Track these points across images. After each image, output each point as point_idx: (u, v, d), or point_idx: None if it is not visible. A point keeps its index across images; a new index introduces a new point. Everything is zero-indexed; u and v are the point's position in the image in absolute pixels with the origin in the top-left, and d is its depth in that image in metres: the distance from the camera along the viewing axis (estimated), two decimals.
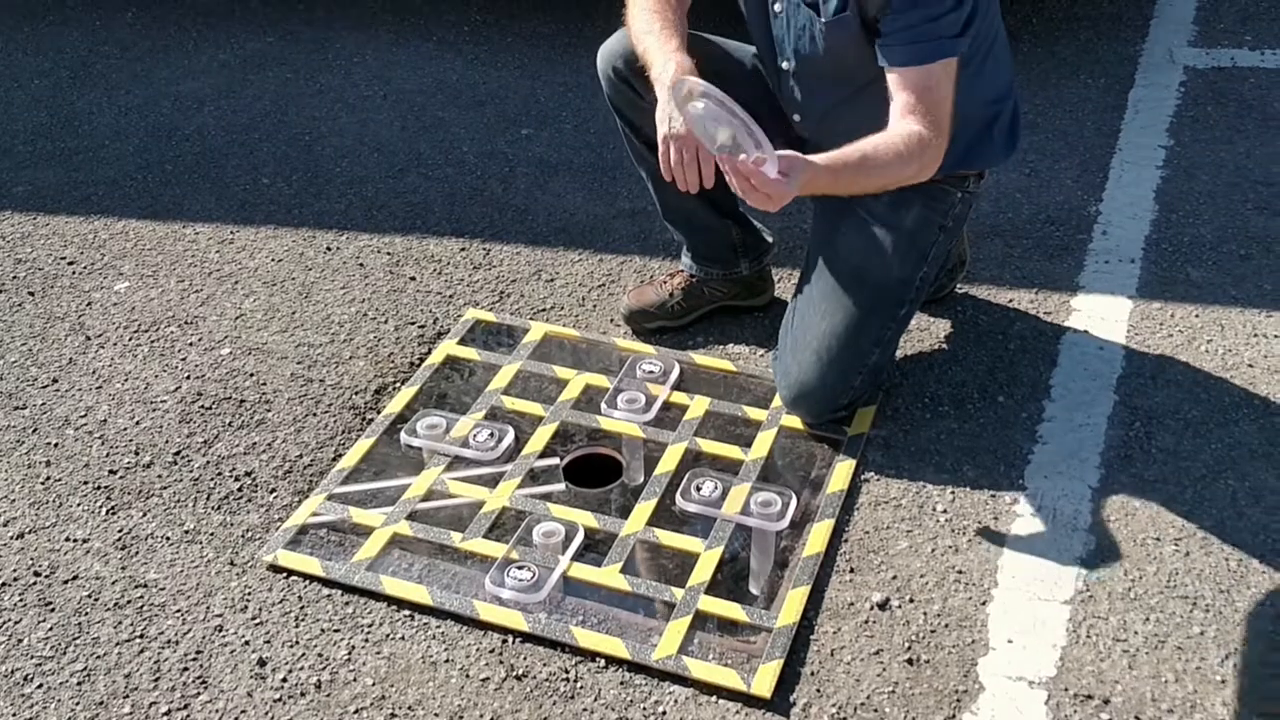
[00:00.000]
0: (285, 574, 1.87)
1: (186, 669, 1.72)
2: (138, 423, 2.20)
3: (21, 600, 1.85)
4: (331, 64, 3.53)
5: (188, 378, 2.31)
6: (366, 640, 1.76)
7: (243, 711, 1.66)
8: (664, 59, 1.88)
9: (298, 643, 1.76)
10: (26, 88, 3.49)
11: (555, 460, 2.06)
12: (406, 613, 1.80)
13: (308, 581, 1.85)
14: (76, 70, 3.58)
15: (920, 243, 2.01)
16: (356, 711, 1.65)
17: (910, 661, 1.68)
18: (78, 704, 1.68)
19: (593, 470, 2.07)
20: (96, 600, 1.84)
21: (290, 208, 2.86)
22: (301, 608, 1.81)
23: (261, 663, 1.73)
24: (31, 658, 1.75)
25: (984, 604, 1.76)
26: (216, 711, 1.66)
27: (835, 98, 2.00)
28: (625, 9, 2.01)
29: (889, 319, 2.03)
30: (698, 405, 2.14)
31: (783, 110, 2.10)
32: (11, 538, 1.96)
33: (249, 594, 1.84)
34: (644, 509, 1.93)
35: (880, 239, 2.00)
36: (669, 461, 2.03)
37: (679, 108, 1.74)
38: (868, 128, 1.81)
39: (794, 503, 1.90)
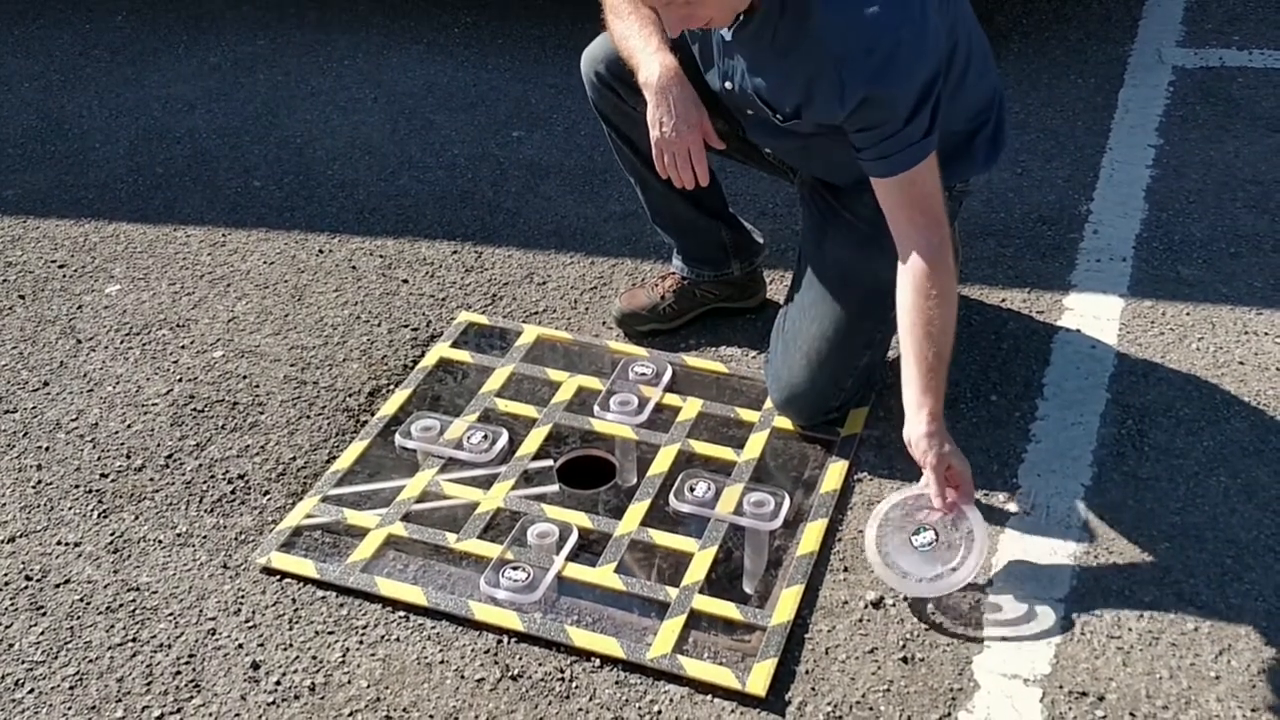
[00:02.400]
0: (279, 576, 1.86)
1: (179, 673, 1.72)
2: (129, 426, 2.19)
3: (13, 604, 1.84)
4: (323, 67, 3.53)
5: (179, 380, 2.30)
6: (361, 642, 1.75)
7: (236, 715, 1.65)
8: (648, 59, 1.88)
9: (291, 645, 1.75)
10: (16, 90, 3.48)
11: (549, 462, 2.06)
12: (401, 614, 1.79)
13: (301, 584, 1.85)
14: (67, 73, 3.57)
15: None
16: (351, 714, 1.65)
17: (905, 660, 1.69)
18: (70, 708, 1.67)
19: (586, 472, 2.07)
20: (88, 604, 1.83)
21: (282, 210, 2.85)
22: (295, 610, 1.81)
23: (255, 666, 1.72)
24: (23, 662, 1.75)
25: (978, 602, 1.77)
26: (210, 715, 1.65)
27: (790, 142, 1.96)
28: (603, 13, 1.99)
29: (880, 321, 2.02)
30: (690, 407, 2.14)
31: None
32: (2, 541, 1.95)
33: (242, 597, 1.84)
34: (638, 509, 1.93)
35: (868, 241, 1.99)
36: (662, 463, 2.03)
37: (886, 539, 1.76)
38: (822, 146, 1.84)
39: (787, 503, 1.90)
